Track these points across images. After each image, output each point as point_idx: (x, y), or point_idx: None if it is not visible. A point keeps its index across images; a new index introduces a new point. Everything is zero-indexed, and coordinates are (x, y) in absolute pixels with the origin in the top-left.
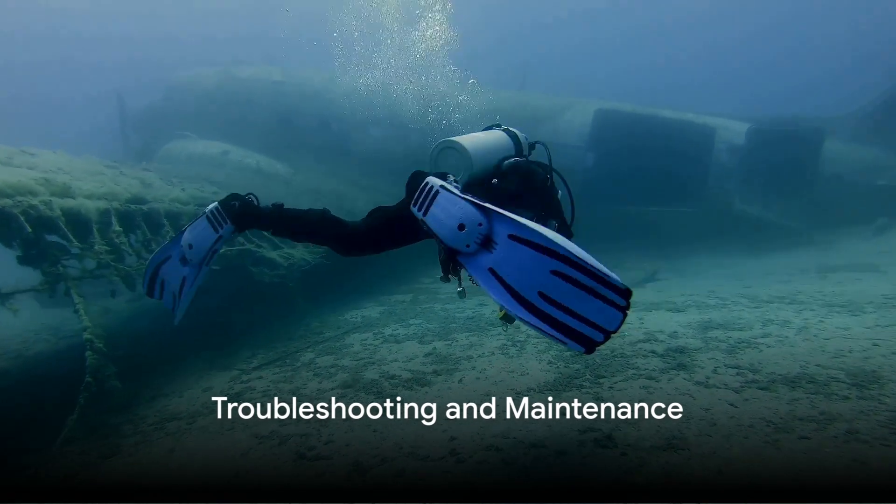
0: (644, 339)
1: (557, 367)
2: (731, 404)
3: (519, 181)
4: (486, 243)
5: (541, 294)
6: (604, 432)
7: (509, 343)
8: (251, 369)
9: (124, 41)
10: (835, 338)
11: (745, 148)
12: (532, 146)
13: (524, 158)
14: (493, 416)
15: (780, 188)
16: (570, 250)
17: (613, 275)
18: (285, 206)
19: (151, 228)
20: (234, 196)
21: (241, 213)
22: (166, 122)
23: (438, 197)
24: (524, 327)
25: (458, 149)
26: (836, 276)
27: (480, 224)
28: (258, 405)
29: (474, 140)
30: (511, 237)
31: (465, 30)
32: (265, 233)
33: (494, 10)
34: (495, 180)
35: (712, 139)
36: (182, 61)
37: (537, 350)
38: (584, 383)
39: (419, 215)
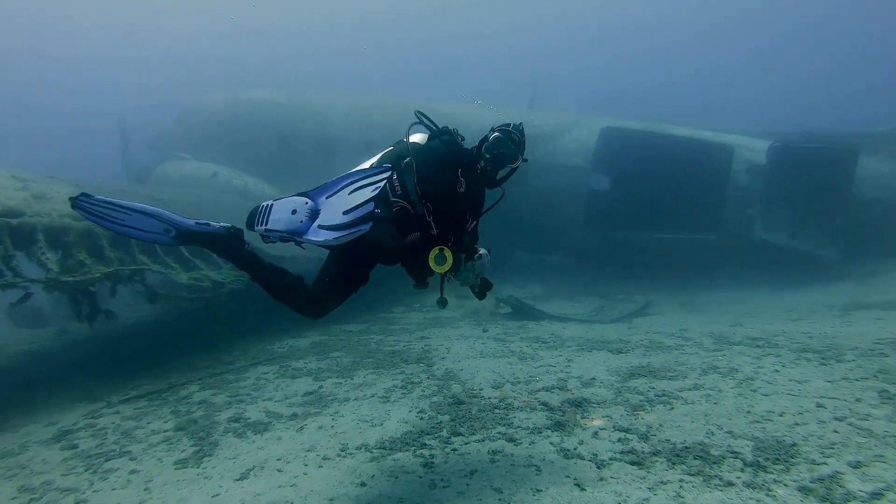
0: (553, 385)
1: (423, 418)
2: (577, 484)
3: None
4: (314, 214)
5: (344, 212)
6: None
7: (400, 385)
8: (118, 402)
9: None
10: (777, 394)
11: (767, 168)
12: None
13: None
14: (282, 480)
15: (808, 213)
16: (357, 172)
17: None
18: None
19: (18, 243)
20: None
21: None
22: (178, 145)
23: (272, 208)
24: (437, 362)
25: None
26: (856, 316)
27: (307, 202)
28: (70, 448)
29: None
30: (327, 198)
31: (484, 48)
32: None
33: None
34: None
35: (730, 159)
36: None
37: (423, 395)
38: (430, 441)
39: (260, 229)
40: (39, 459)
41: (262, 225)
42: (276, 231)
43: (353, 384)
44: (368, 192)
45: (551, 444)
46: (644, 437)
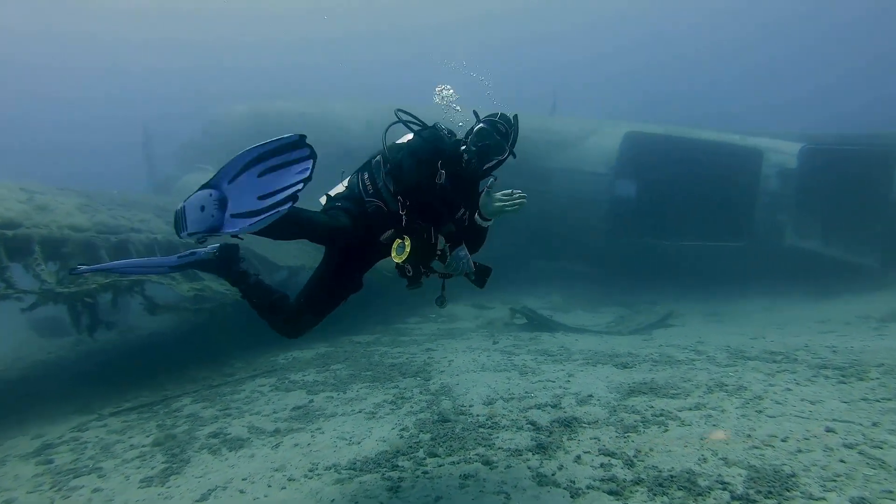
0: (548, 402)
1: (403, 436)
2: None
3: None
4: (223, 204)
5: (260, 197)
6: None
7: (391, 400)
8: (108, 414)
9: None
10: (784, 416)
11: (799, 172)
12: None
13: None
14: (241, 502)
15: (844, 219)
16: (255, 148)
17: (284, 137)
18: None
19: (14, 254)
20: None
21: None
22: (203, 156)
23: (185, 210)
24: (435, 376)
25: None
26: (892, 328)
27: (211, 193)
28: (46, 463)
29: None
30: (230, 182)
31: (503, 58)
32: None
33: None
34: None
35: (759, 163)
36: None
37: (411, 411)
38: (403, 462)
39: (184, 235)
40: (12, 475)
41: (184, 231)
42: (198, 233)
43: (345, 398)
44: (291, 178)
45: (529, 468)
46: (630, 463)
